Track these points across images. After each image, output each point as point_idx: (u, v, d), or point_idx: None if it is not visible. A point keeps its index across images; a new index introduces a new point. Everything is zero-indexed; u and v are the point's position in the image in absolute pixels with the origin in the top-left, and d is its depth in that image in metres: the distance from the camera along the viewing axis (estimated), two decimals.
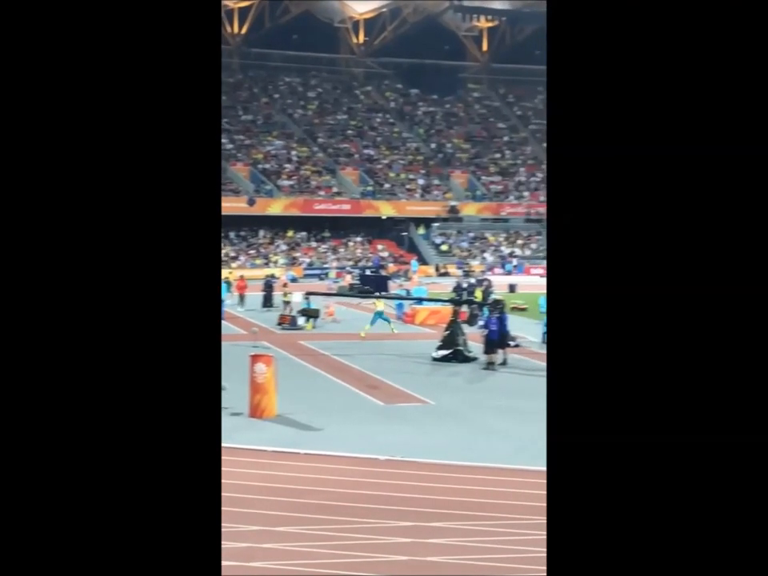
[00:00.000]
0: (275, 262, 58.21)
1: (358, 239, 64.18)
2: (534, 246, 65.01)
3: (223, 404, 10.95)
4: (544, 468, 5.75)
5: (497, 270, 57.71)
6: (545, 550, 5.52)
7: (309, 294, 31.50)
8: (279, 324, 30.89)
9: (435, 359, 23.96)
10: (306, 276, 54.34)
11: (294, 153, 67.61)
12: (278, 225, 62.67)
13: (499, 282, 43.30)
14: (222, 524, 5.92)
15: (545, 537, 5.52)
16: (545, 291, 34.21)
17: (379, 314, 29.14)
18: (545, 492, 5.54)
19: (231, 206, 54.21)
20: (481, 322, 26.83)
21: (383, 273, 51.93)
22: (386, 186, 66.69)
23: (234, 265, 54.79)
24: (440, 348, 24.24)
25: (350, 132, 71.69)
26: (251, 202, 59.80)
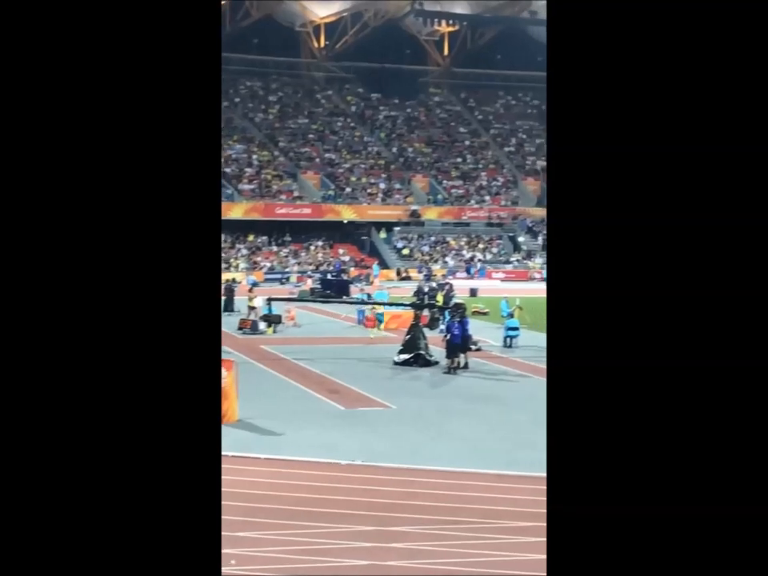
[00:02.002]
0: (236, 267, 57.90)
1: (320, 243, 64.05)
2: (495, 250, 65.25)
3: None
4: (507, 471, 5.75)
5: (459, 274, 57.80)
6: (507, 553, 5.52)
7: (271, 299, 31.38)
8: (240, 328, 30.78)
9: (396, 363, 23.94)
10: (267, 280, 54.03)
11: (254, 157, 67.37)
12: (238, 229, 62.36)
13: (460, 286, 43.40)
14: None
15: (507, 540, 5.52)
16: (505, 295, 34.10)
17: (380, 315, 31.09)
18: (507, 495, 5.54)
19: None
20: (442, 326, 26.87)
21: (345, 277, 51.79)
22: (348, 190, 66.63)
23: None
24: (401, 352, 24.24)
25: (311, 136, 71.56)
26: None
